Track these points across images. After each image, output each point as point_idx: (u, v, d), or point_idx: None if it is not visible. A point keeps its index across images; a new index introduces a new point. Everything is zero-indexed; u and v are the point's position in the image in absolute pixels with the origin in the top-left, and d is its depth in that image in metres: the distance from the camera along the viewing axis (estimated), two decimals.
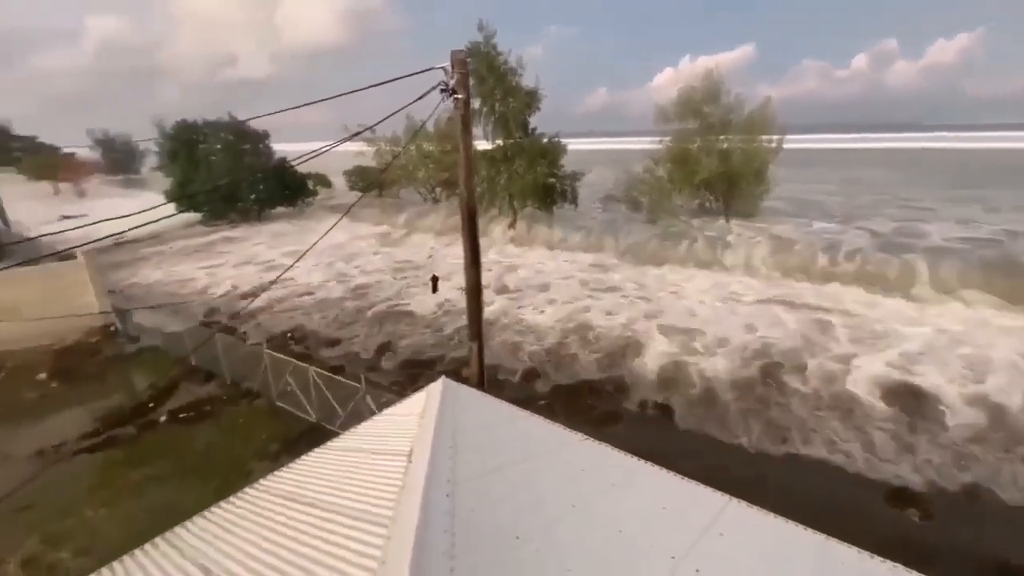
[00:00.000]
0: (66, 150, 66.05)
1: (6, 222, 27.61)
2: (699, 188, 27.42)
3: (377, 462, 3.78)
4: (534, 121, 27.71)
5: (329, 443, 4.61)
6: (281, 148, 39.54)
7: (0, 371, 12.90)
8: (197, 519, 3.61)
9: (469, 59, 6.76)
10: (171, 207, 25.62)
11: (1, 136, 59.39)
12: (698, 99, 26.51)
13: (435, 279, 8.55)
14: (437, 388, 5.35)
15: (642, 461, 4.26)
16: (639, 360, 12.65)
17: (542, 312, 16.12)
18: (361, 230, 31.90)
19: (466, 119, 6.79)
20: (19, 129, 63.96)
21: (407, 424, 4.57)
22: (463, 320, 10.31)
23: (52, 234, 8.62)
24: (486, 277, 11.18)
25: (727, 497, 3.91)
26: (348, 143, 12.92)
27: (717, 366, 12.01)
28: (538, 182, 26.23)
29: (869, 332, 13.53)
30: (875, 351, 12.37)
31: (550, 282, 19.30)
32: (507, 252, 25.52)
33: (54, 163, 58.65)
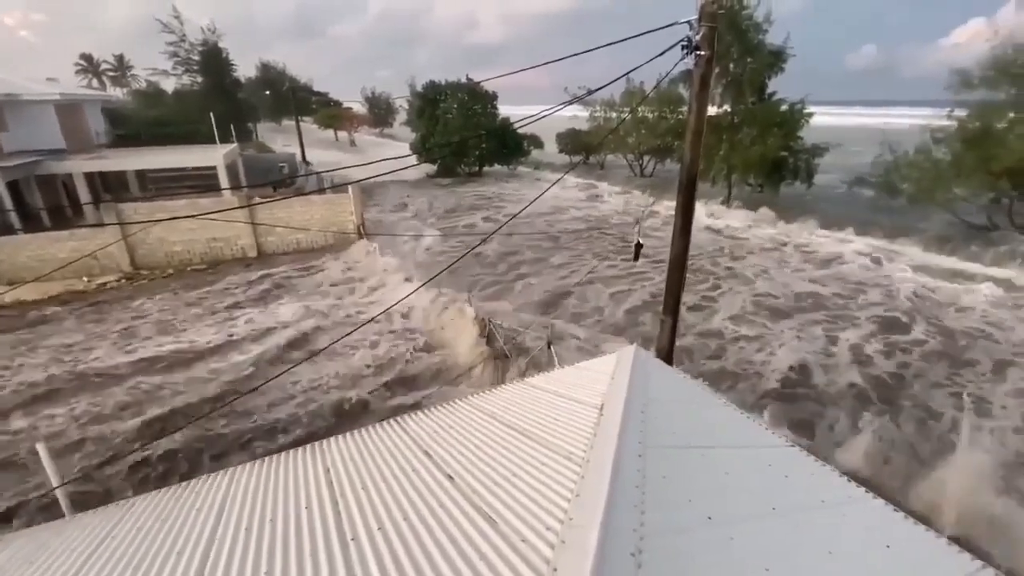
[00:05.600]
0: (345, 105, 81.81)
1: (305, 159, 35.89)
2: (998, 179, 20.81)
3: (569, 406, 3.97)
4: (774, 84, 24.29)
5: (526, 380, 5.00)
6: (505, 110, 42.51)
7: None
8: (420, 413, 4.34)
9: (721, 11, 6.14)
10: (414, 158, 29.99)
11: (305, 92, 76.20)
12: (1021, 61, 19.76)
13: (639, 246, 8.36)
14: (628, 353, 5.30)
15: (866, 491, 3.61)
16: None
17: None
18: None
19: (705, 78, 6.28)
20: (317, 86, 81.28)
21: (597, 380, 4.67)
22: None
23: (334, 170, 10.93)
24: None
25: (979, 563, 3.11)
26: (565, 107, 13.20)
27: None
28: (767, 155, 23.11)
29: None
30: None
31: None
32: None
33: (337, 116, 73.32)
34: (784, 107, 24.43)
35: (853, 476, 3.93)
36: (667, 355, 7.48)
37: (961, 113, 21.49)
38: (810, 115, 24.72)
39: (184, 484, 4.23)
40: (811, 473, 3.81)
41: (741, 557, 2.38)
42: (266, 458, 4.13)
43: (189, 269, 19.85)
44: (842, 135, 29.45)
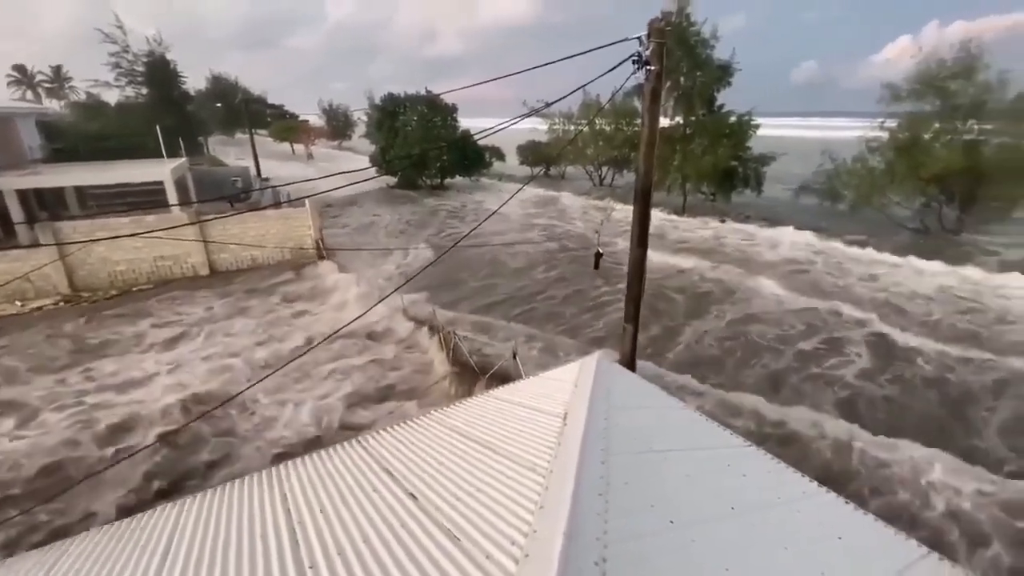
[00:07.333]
0: (302, 118, 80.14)
1: (259, 173, 34.88)
2: (927, 185, 22.35)
3: (533, 416, 3.97)
4: (723, 97, 25.39)
5: (491, 392, 4.98)
6: (466, 123, 42.59)
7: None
8: (383, 432, 4.24)
9: (668, 27, 6.39)
10: (373, 171, 29.68)
11: (260, 105, 74.29)
12: (943, 74, 21.41)
13: (599, 255, 8.51)
14: (592, 361, 5.36)
15: (818, 485, 3.78)
16: None
17: None
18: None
19: (656, 91, 6.51)
20: (271, 98, 79.37)
21: (561, 389, 4.70)
22: None
23: (289, 184, 10.66)
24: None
25: (924, 549, 3.29)
26: (524, 119, 13.30)
27: None
28: (718, 165, 24.11)
29: None
30: None
31: None
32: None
33: (293, 128, 71.69)
34: (733, 119, 25.59)
35: None
36: (629, 361, 7.61)
37: (892, 124, 23.08)
38: (757, 126, 26.00)
39: (128, 520, 3.97)
40: (768, 471, 3.94)
41: (702, 559, 2.43)
42: (219, 487, 3.94)
43: (135, 289, 18.84)
44: (787, 145, 30.99)
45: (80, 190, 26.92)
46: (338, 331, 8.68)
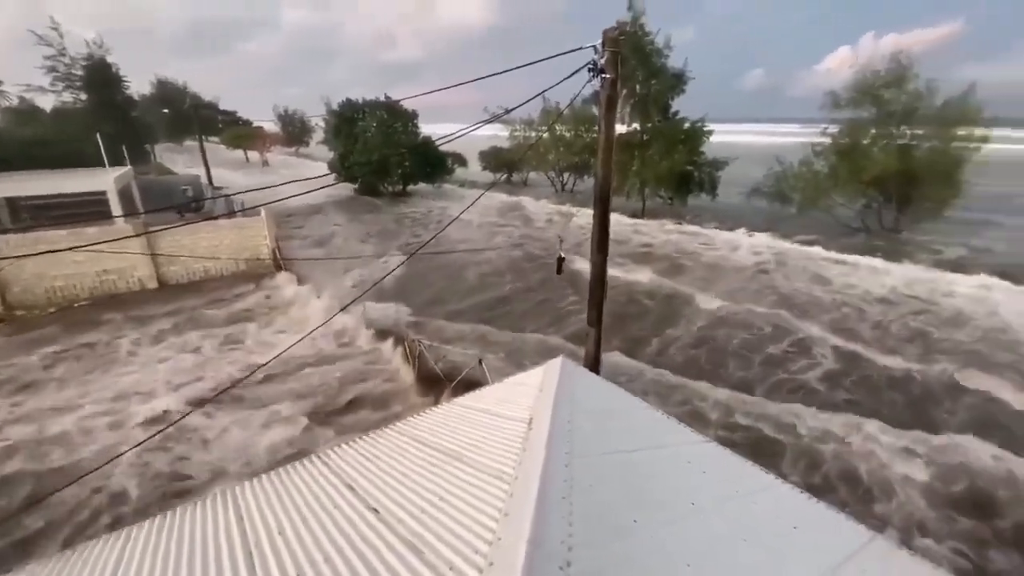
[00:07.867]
0: (256, 124, 77.82)
1: (211, 181, 33.57)
2: (867, 187, 23.71)
3: (498, 423, 3.96)
4: (677, 105, 26.25)
5: (455, 400, 4.93)
6: (427, 129, 42.28)
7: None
8: (344, 446, 4.13)
9: (622, 36, 6.55)
10: (332, 178, 29.04)
11: (211, 111, 71.78)
12: (878, 83, 22.83)
13: (561, 260, 8.60)
14: (555, 365, 5.40)
15: (775, 477, 3.92)
16: None
17: None
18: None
19: (612, 99, 6.65)
20: (223, 104, 76.80)
21: (526, 394, 4.71)
22: None
23: (243, 192, 10.33)
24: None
25: (871, 533, 3.46)
26: (485, 125, 13.30)
27: None
28: (674, 169, 24.91)
29: None
30: None
31: None
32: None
33: (247, 135, 69.48)
34: (687, 125, 26.50)
35: None
36: (593, 364, 7.71)
37: (834, 130, 24.41)
38: (710, 132, 27.05)
39: (70, 551, 3.71)
40: (726, 465, 4.06)
41: (664, 556, 2.47)
42: (168, 512, 3.73)
43: (76, 305, 17.74)
44: (738, 150, 32.32)
45: (12, 201, 25.15)
46: (291, 346, 8.40)
